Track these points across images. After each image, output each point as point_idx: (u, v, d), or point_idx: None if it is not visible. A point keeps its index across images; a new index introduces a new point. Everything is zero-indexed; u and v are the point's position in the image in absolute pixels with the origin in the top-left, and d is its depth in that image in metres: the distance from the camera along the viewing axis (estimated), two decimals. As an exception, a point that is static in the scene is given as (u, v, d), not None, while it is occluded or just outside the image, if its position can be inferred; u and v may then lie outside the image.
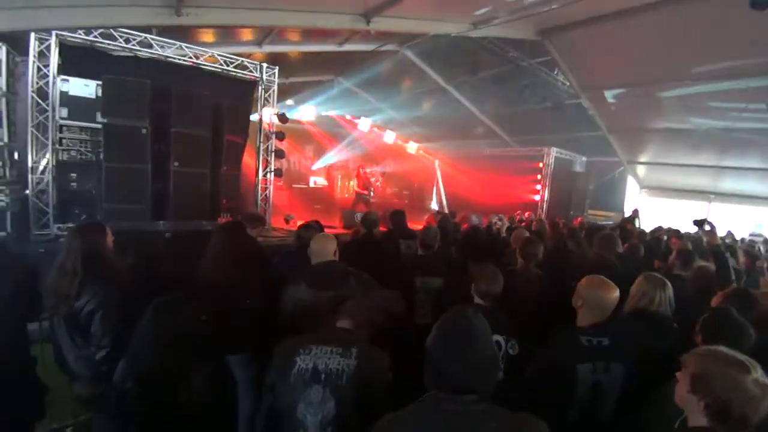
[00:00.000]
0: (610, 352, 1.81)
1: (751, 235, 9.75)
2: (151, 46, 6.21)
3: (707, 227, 3.90)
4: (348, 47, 9.59)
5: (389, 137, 15.34)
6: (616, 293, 1.89)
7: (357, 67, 11.19)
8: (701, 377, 1.23)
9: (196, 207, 5.76)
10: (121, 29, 5.81)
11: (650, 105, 9.16)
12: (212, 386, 1.87)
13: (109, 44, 5.86)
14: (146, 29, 6.06)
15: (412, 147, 16.20)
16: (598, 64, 8.63)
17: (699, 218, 4.06)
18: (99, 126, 5.54)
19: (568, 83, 9.61)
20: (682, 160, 10.94)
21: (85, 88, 5.69)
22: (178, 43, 6.40)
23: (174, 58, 6.42)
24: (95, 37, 5.71)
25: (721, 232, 9.33)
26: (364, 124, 14.38)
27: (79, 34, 5.58)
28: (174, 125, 5.70)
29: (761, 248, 7.11)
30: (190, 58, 6.57)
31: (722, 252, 3.53)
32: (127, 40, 5.97)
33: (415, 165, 16.79)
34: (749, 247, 6.45)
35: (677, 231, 8.11)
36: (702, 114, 8.97)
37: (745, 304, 2.19)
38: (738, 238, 8.80)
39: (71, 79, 5.59)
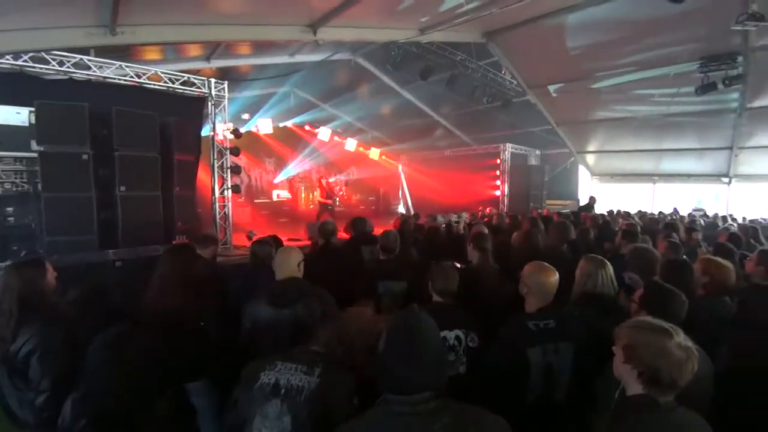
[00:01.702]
0: (558, 333, 1.89)
1: (693, 210, 10.55)
2: (88, 68, 5.90)
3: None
4: (300, 58, 9.57)
5: (351, 145, 15.38)
6: (556, 276, 1.98)
7: (312, 77, 11.17)
8: (632, 348, 1.30)
9: (149, 232, 5.48)
10: (54, 52, 5.50)
11: (588, 96, 9.77)
12: (173, 417, 1.80)
13: (41, 68, 5.52)
14: (82, 50, 5.76)
15: (374, 153, 16.32)
16: (538, 62, 9.11)
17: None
18: (35, 155, 5.19)
19: (515, 82, 10.04)
20: (626, 146, 11.72)
21: (16, 115, 5.32)
22: (118, 63, 6.13)
23: (114, 79, 6.13)
24: (25, 61, 5.37)
25: (667, 210, 10.08)
26: (324, 133, 14.34)
27: (7, 59, 5.22)
28: (117, 148, 5.43)
29: (701, 222, 7.67)
30: (132, 77, 6.30)
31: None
32: (60, 63, 5.64)
33: (379, 171, 16.92)
34: (690, 223, 6.94)
35: (626, 213, 8.65)
36: (637, 102, 9.66)
37: (679, 274, 2.37)
38: (682, 214, 9.51)
39: (0, 107, 5.22)
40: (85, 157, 5.11)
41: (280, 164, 14.71)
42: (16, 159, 5.35)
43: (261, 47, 9.00)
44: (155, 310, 2.13)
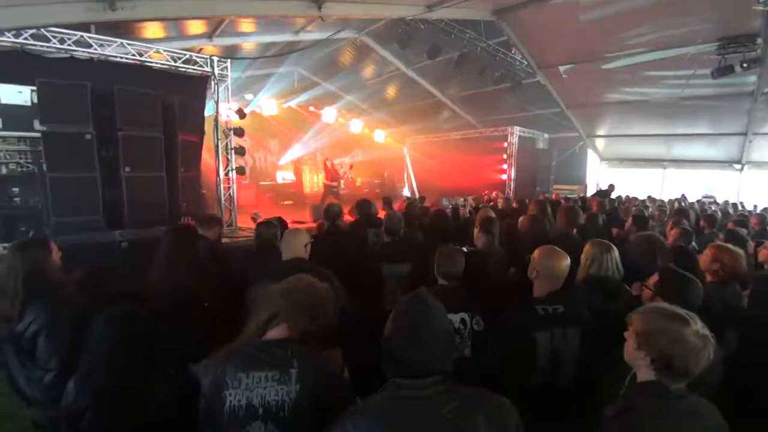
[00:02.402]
0: (566, 318, 1.87)
1: (703, 197, 10.39)
2: (89, 46, 5.79)
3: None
4: (304, 36, 9.35)
5: (356, 126, 15.21)
6: (567, 261, 1.95)
7: (316, 56, 10.96)
8: (645, 334, 1.28)
9: (154, 213, 5.49)
10: (54, 29, 5.39)
11: (599, 78, 9.51)
12: (175, 397, 1.81)
13: (42, 46, 5.43)
14: (83, 27, 5.65)
15: (379, 135, 16.14)
16: (549, 41, 8.83)
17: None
18: (38, 135, 5.16)
19: (525, 62, 9.77)
20: (637, 130, 11.47)
21: (18, 95, 5.27)
22: (119, 40, 6.01)
23: (115, 57, 6.03)
24: (25, 39, 5.28)
25: (675, 195, 9.92)
26: (329, 114, 14.17)
27: (7, 36, 5.13)
28: (121, 128, 5.38)
29: (712, 209, 7.55)
30: (134, 55, 6.19)
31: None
32: (61, 41, 5.55)
33: (384, 153, 16.78)
34: (701, 210, 6.84)
35: (635, 198, 8.52)
36: (649, 84, 9.38)
37: (685, 261, 2.33)
38: (692, 200, 9.36)
39: (2, 86, 5.17)
40: (88, 137, 5.07)
41: (285, 146, 14.61)
42: (19, 139, 5.33)
43: (265, 25, 8.80)
44: (158, 290, 2.13)
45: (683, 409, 1.23)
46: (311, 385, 1.34)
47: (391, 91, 13.12)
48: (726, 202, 9.05)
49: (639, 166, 12.50)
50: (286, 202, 12.56)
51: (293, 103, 13.82)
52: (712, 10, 6.68)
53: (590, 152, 13.30)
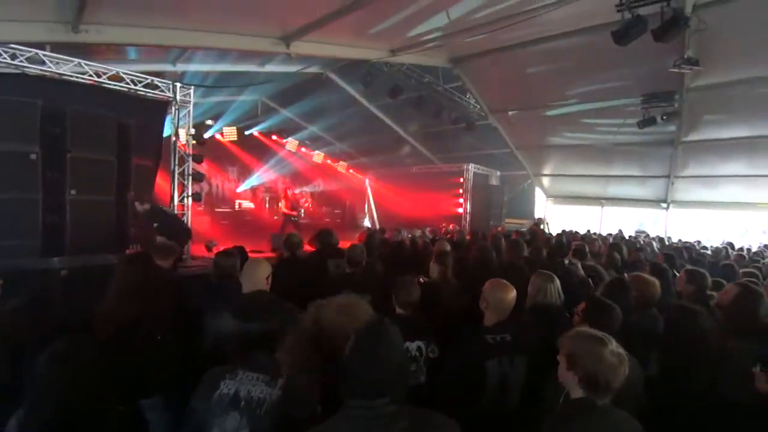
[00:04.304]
0: (513, 346, 2.03)
1: (636, 231, 11.44)
2: (43, 63, 5.57)
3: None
4: (270, 68, 9.54)
5: (318, 157, 15.36)
6: (513, 293, 2.13)
7: (282, 87, 11.14)
8: (573, 355, 1.46)
9: (100, 239, 5.17)
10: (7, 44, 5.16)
11: (543, 123, 10.53)
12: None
13: (-10, 60, 5.17)
14: (38, 45, 5.44)
15: (341, 166, 16.36)
16: (500, 88, 9.74)
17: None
18: (-26, 152, 4.79)
19: (478, 106, 10.57)
20: (577, 171, 12.61)
21: (-42, 109, 4.92)
22: (76, 60, 5.83)
23: (71, 76, 5.82)
24: (-29, 51, 5.01)
25: (613, 230, 10.88)
26: (292, 144, 14.25)
27: (-49, 48, 4.86)
28: (71, 149, 5.13)
29: (642, 242, 8.34)
30: (91, 76, 6.01)
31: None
32: (13, 56, 5.29)
33: (346, 184, 16.97)
34: (632, 243, 7.55)
35: (576, 233, 9.24)
36: (586, 130, 10.49)
37: (618, 291, 2.62)
38: (626, 235, 10.28)
39: (-60, 98, 4.81)
40: (33, 156, 4.79)
41: (244, 173, 14.37)
42: (-47, 155, 4.91)
43: (231, 54, 8.90)
44: (108, 322, 2.05)
45: (610, 422, 1.40)
46: (291, 398, 1.49)
47: (354, 124, 13.52)
48: (656, 237, 10.04)
49: (580, 203, 13.58)
50: (243, 231, 12.19)
51: (255, 131, 13.79)
52: (637, 69, 7.71)
53: (538, 189, 14.31)
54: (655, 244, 7.73)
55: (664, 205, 11.77)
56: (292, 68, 9.26)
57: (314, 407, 1.54)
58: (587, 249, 4.84)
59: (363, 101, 11.84)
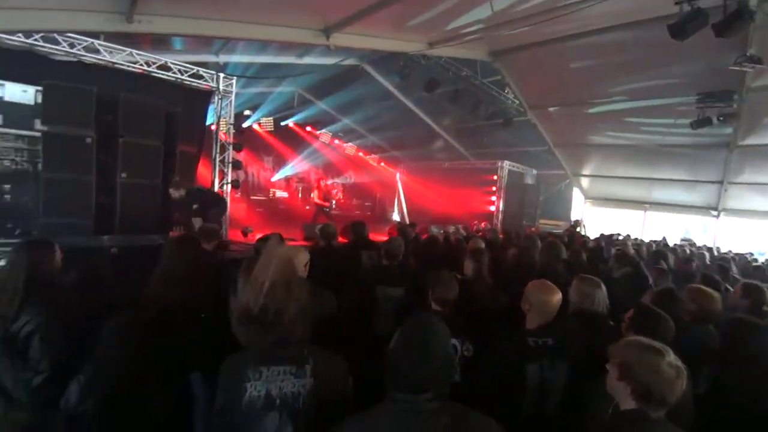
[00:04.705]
0: (555, 351, 1.96)
1: (682, 240, 10.79)
2: (98, 52, 5.91)
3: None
4: (308, 60, 9.65)
5: (351, 149, 15.47)
6: (559, 296, 2.06)
7: (318, 79, 11.26)
8: (626, 365, 1.38)
9: (146, 220, 5.47)
10: (65, 33, 5.49)
11: (585, 121, 10.04)
12: (174, 404, 1.83)
13: (51, 48, 5.52)
14: (93, 34, 5.76)
15: (373, 159, 16.41)
16: (541, 83, 9.36)
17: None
18: (38, 134, 5.17)
19: (517, 101, 10.25)
20: (620, 172, 11.98)
21: (23, 93, 5.33)
22: (128, 49, 6.14)
23: (123, 65, 6.14)
24: (35, 40, 5.36)
25: (655, 237, 10.32)
26: (325, 136, 14.42)
27: (18, 36, 5.21)
28: (122, 135, 5.42)
29: (688, 251, 7.87)
30: (141, 65, 6.32)
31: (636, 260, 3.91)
32: (71, 45, 5.66)
33: (377, 176, 17.01)
34: (681, 252, 7.14)
35: (615, 237, 8.84)
36: (632, 130, 9.92)
37: (668, 301, 2.47)
38: (671, 243, 9.73)
39: (7, 83, 5.21)
40: (88, 140, 5.11)
41: (279, 163, 14.72)
42: (17, 137, 5.33)
43: (270, 45, 9.06)
44: (160, 300, 2.14)
45: (663, 436, 1.32)
46: (323, 380, 1.46)
47: (388, 117, 13.49)
48: (703, 246, 9.43)
49: (621, 206, 12.95)
50: (276, 218, 12.51)
51: (290, 122, 14.05)
52: (692, 66, 7.21)
53: (575, 190, 13.77)
54: (707, 255, 7.24)
55: (715, 212, 11.02)
56: (330, 60, 9.31)
57: (346, 383, 1.54)
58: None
59: (398, 94, 11.76)
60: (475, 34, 6.73)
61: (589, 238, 8.29)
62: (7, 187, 5.22)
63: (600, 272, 4.01)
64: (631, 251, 4.34)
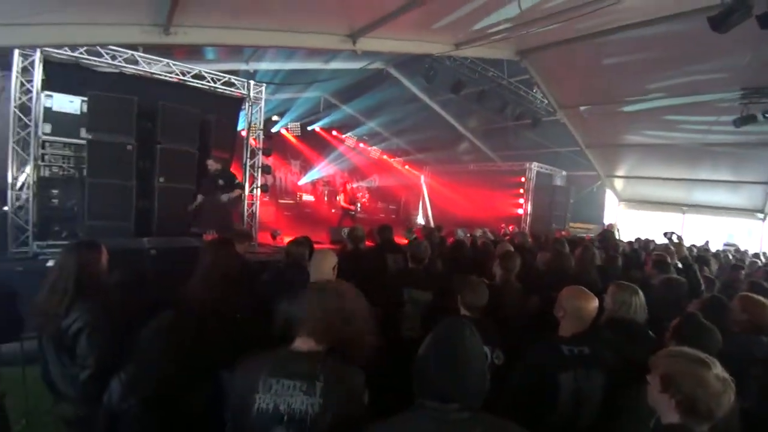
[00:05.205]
0: (590, 360, 1.89)
1: (725, 245, 10.18)
2: (137, 63, 6.24)
3: (675, 239, 4.08)
4: (334, 65, 9.79)
5: (375, 152, 15.56)
6: (596, 303, 1.98)
7: (344, 84, 11.40)
8: (669, 377, 1.32)
9: (182, 223, 5.71)
10: (107, 46, 5.83)
11: (619, 119, 9.64)
12: (210, 403, 1.89)
13: (94, 60, 5.87)
14: (133, 46, 6.09)
15: (398, 162, 16.43)
16: (571, 82, 9.05)
17: (668, 230, 4.26)
18: (83, 142, 5.49)
19: (545, 101, 9.99)
20: (657, 173, 11.42)
21: (69, 104, 5.67)
22: (165, 60, 6.45)
23: (160, 75, 6.45)
24: (80, 53, 5.72)
25: (699, 242, 9.79)
26: (351, 139, 14.58)
27: (64, 50, 5.58)
28: (160, 141, 5.69)
29: (731, 257, 7.42)
30: (177, 75, 6.61)
31: (691, 263, 3.70)
32: (113, 57, 5.99)
33: (402, 180, 17.01)
34: (725, 258, 6.75)
35: (654, 242, 8.44)
36: (670, 128, 9.45)
37: (717, 311, 2.34)
38: (713, 249, 9.20)
39: (55, 94, 5.57)
40: (129, 147, 5.38)
41: (306, 167, 15.00)
42: (65, 144, 5.67)
43: (298, 53, 9.27)
44: (197, 300, 2.23)
45: (708, 453, 1.26)
46: (333, 401, 1.38)
47: (413, 120, 13.47)
48: (746, 251, 8.87)
49: (658, 209, 12.35)
50: (303, 222, 12.75)
51: (317, 126, 14.29)
52: (735, 60, 6.81)
53: (608, 192, 13.25)
54: (759, 262, 6.77)
55: (761, 215, 10.35)
56: (356, 65, 9.43)
57: (361, 398, 1.46)
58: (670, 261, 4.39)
59: (423, 97, 11.73)
60: (502, 34, 6.62)
61: (622, 242, 7.96)
62: (55, 192, 5.57)
63: (635, 279, 3.85)
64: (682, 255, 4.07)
